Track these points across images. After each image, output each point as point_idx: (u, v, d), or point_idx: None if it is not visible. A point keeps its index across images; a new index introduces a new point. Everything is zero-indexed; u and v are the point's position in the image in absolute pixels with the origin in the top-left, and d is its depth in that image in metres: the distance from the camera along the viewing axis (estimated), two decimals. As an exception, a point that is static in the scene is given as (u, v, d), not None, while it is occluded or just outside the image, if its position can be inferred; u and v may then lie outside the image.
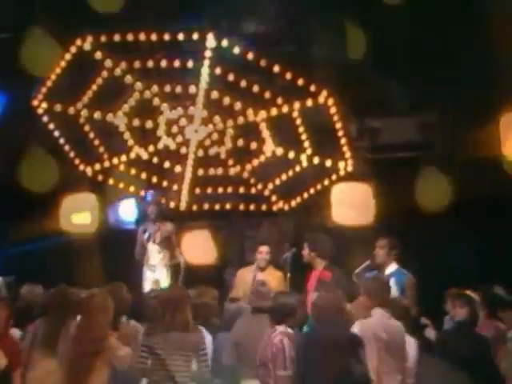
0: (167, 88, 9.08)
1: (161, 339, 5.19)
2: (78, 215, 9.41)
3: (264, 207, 9.53)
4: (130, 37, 8.65)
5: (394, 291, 6.74)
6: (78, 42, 8.85)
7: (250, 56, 8.67)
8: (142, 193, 9.43)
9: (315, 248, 7.26)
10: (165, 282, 8.19)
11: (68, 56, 8.86)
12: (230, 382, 5.63)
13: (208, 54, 8.76)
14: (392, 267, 7.22)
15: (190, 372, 5.19)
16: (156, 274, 8.27)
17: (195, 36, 8.64)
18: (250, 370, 5.43)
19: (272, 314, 5.42)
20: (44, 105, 9.24)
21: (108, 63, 8.94)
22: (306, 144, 9.12)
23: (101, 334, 5.13)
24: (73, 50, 8.85)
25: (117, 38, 8.70)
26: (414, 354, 5.50)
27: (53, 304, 5.66)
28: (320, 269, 7.27)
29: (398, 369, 5.28)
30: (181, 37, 8.61)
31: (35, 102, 9.21)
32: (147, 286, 8.21)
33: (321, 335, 5.09)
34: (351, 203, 8.57)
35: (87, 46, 8.85)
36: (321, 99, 8.78)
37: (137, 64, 8.90)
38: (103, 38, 8.78)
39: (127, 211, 9.96)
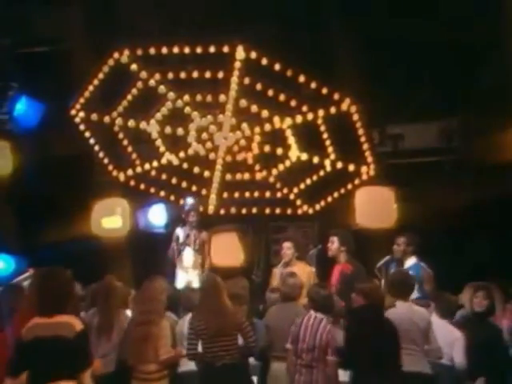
0: (198, 97, 9.47)
1: (204, 324, 5.74)
2: (109, 219, 9.77)
3: (289, 211, 9.87)
4: (164, 50, 9.03)
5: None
6: (116, 54, 9.27)
7: (278, 66, 9.01)
8: (180, 199, 9.81)
9: (345, 242, 7.79)
10: (196, 283, 8.59)
11: (106, 68, 9.29)
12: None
13: (238, 65, 9.16)
14: (410, 261, 7.65)
15: (237, 346, 5.73)
16: (189, 276, 8.78)
17: (225, 49, 9.00)
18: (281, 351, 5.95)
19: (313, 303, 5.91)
20: (81, 114, 9.67)
21: (143, 74, 9.34)
22: (330, 149, 9.46)
23: (158, 308, 5.82)
24: (110, 62, 9.26)
25: (152, 51, 9.09)
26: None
27: (103, 296, 6.14)
28: (343, 262, 7.82)
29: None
30: (212, 49, 8.96)
31: (73, 112, 9.65)
32: (180, 286, 8.63)
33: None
34: (374, 207, 8.88)
35: (124, 59, 9.27)
36: (344, 106, 9.13)
37: (170, 75, 9.30)
38: (139, 51, 9.18)
39: (157, 216, 10.32)
